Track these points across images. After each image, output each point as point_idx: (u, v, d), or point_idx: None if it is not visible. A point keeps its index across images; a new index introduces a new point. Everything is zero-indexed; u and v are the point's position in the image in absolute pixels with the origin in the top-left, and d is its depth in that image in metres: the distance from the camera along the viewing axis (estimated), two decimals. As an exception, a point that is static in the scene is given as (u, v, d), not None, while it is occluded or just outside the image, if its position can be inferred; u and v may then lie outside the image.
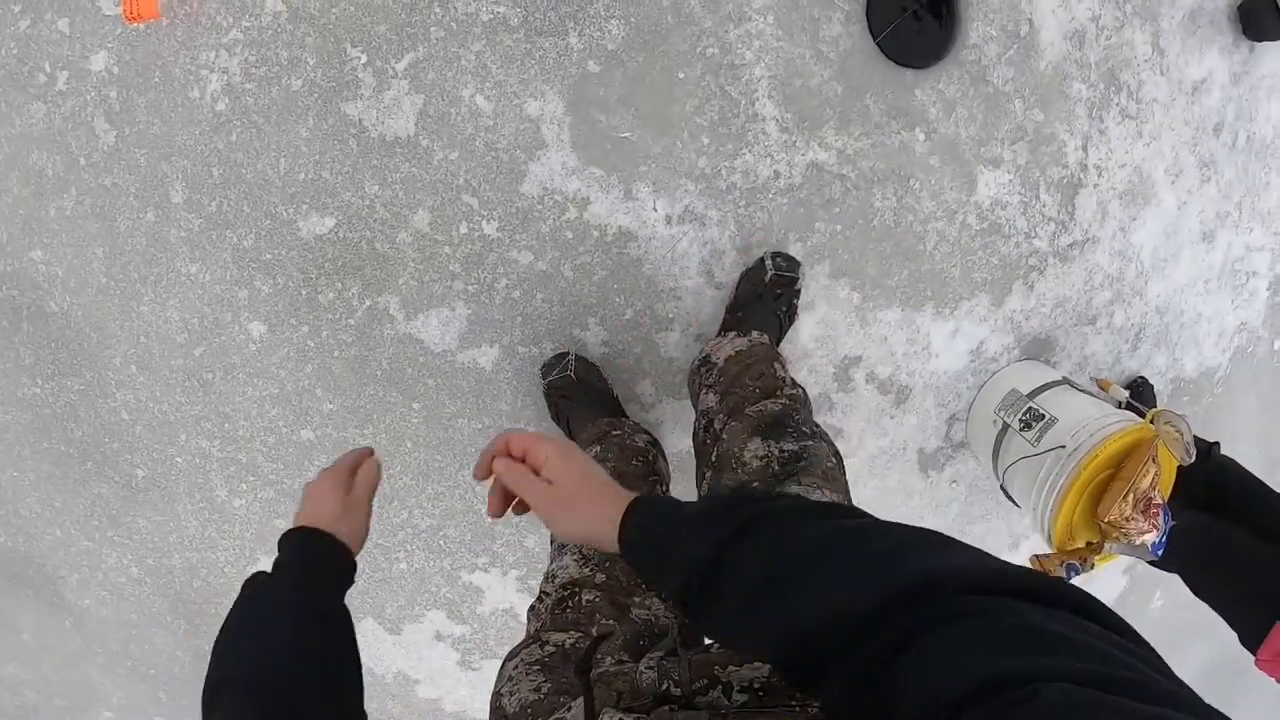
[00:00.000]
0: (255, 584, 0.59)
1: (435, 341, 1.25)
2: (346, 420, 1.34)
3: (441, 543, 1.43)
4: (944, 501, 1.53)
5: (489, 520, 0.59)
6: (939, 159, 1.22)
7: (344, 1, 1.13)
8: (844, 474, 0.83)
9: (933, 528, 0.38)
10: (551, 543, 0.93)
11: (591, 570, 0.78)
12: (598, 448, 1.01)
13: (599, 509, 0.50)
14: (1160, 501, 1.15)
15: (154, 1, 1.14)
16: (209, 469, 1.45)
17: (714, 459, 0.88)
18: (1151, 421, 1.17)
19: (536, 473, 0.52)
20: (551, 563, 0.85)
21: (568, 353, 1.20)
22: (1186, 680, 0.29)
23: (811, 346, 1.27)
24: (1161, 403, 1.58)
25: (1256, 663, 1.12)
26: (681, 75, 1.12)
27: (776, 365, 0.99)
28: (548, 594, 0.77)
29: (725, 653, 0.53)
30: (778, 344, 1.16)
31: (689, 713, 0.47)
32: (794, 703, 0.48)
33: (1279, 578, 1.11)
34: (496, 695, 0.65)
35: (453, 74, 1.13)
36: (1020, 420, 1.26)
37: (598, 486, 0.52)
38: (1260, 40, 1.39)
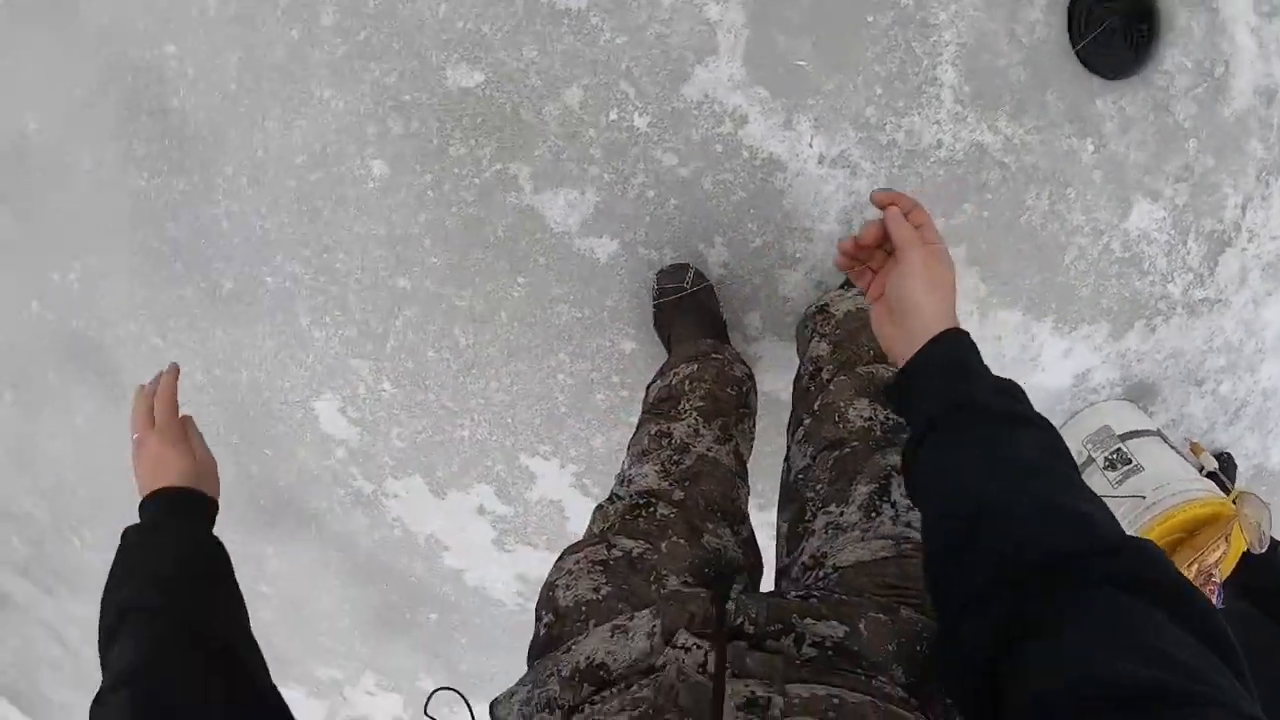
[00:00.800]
0: (127, 535, 0.63)
1: (557, 221, 1.26)
2: (446, 278, 1.35)
3: (510, 421, 1.47)
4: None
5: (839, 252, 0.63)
6: (1102, 175, 1.20)
7: None
8: None
9: None
10: (629, 449, 0.93)
11: (671, 485, 0.77)
12: (695, 366, 1.00)
13: (948, 301, 0.57)
14: (1219, 580, 1.16)
15: None
16: (297, 294, 1.48)
17: (816, 408, 0.88)
18: (1234, 500, 1.17)
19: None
20: (629, 468, 0.84)
21: (689, 265, 1.20)
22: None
23: (925, 324, 1.28)
24: (1241, 486, 1.57)
25: None
26: (871, 19, 1.09)
27: None
28: (620, 497, 0.76)
29: (804, 604, 0.53)
30: None
31: (764, 654, 0.46)
32: (859, 671, 0.48)
33: None
34: (550, 585, 0.64)
35: (644, -47, 1.10)
36: (1106, 458, 1.26)
37: (937, 300, 0.57)
38: None
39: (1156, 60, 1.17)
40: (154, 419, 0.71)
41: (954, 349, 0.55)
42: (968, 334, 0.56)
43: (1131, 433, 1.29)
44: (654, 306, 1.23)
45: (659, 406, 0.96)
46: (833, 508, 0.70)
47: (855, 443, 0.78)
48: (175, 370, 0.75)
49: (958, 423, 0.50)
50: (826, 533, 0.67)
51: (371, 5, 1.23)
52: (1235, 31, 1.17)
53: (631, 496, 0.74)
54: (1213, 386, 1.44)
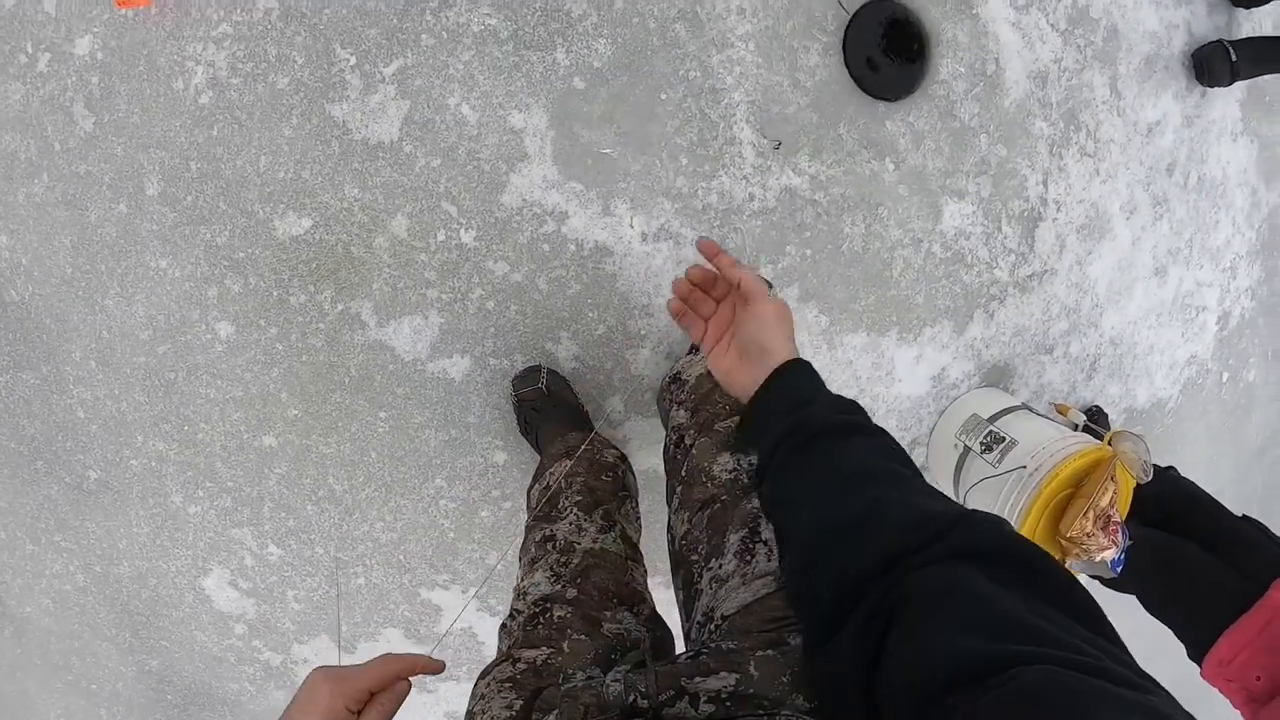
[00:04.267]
0: None
1: (406, 350, 1.20)
2: (310, 427, 1.27)
3: (402, 558, 1.36)
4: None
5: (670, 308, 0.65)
6: (907, 188, 1.23)
7: (336, 3, 1.10)
8: None
9: None
10: (520, 559, 0.89)
11: (563, 586, 0.76)
12: (567, 462, 0.97)
13: (791, 337, 0.59)
14: (1119, 520, 1.15)
15: (146, -11, 1.10)
16: (165, 473, 1.37)
17: (684, 473, 0.86)
18: (1109, 442, 1.18)
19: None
20: (522, 579, 0.82)
21: (541, 366, 1.16)
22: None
23: (782, 366, 1.26)
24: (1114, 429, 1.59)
25: (1202, 675, 1.12)
26: (664, 96, 1.12)
27: None
28: (519, 611, 0.75)
29: (693, 664, 0.52)
30: None
31: None
32: (761, 712, 0.47)
33: (1222, 589, 1.12)
34: (470, 714, 0.63)
35: (440, 82, 1.11)
36: (981, 443, 1.25)
37: (785, 338, 0.59)
38: (1212, 86, 1.44)
39: (932, 73, 1.23)
40: (361, 703, 0.51)
41: (794, 379, 0.57)
42: (807, 363, 0.58)
43: (999, 413, 1.29)
44: (515, 413, 1.17)
45: (541, 510, 0.93)
46: (713, 563, 0.70)
47: (724, 496, 0.77)
48: (430, 670, 0.57)
49: (797, 444, 0.52)
50: (711, 587, 0.68)
51: (194, 169, 1.20)
52: (998, 30, 1.25)
53: (529, 608, 0.74)
54: (1063, 350, 1.46)
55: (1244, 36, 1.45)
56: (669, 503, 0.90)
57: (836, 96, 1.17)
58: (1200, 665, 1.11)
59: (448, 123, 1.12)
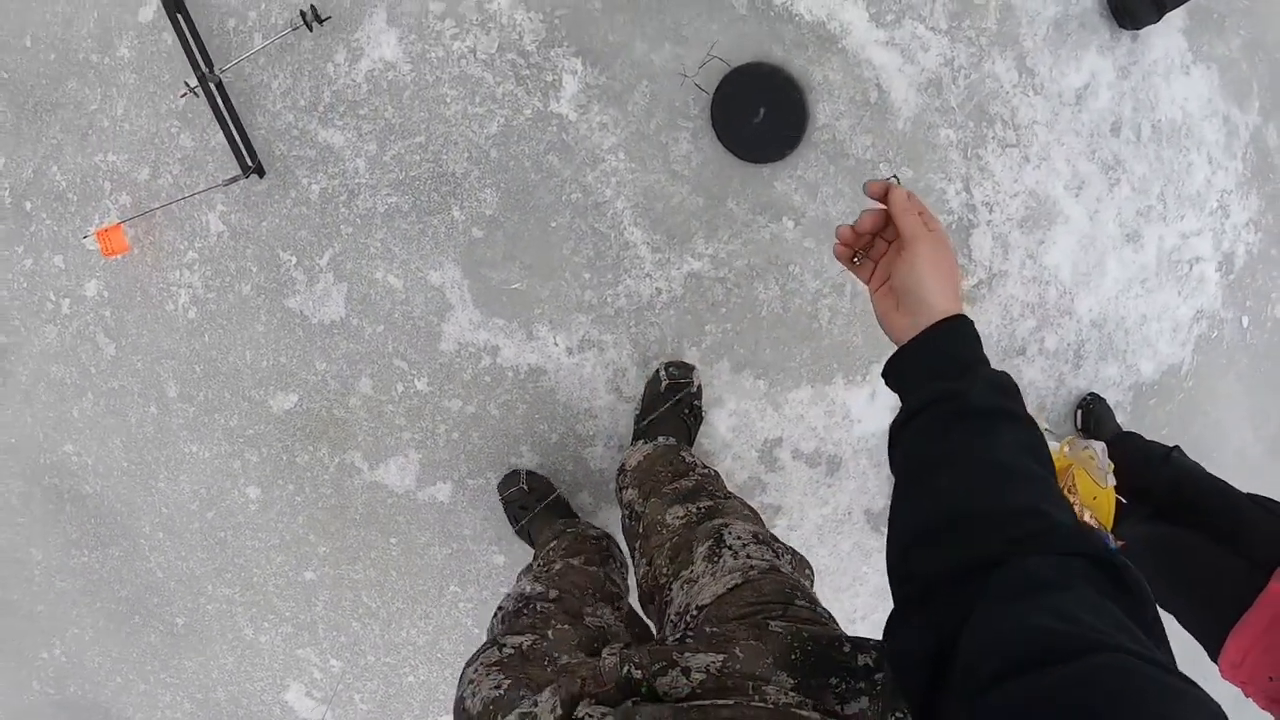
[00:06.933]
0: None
1: (397, 485, 1.53)
2: (339, 558, 1.63)
3: (439, 654, 1.70)
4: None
5: (839, 242, 0.65)
6: (814, 240, 1.39)
7: (270, 216, 1.43)
8: (762, 524, 0.93)
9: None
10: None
11: (546, 587, 0.89)
12: (555, 542, 1.19)
13: (953, 287, 0.59)
14: (1093, 527, 1.26)
15: (123, 238, 1.47)
16: (235, 612, 1.78)
17: (642, 530, 1.01)
18: (1064, 453, 1.29)
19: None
20: (511, 589, 0.97)
21: (519, 470, 1.44)
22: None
23: (730, 437, 1.46)
24: (1126, 413, 1.64)
25: (1222, 677, 1.15)
26: (554, 223, 1.36)
27: (684, 454, 1.16)
28: (504, 608, 0.87)
29: (680, 644, 0.60)
30: (690, 443, 1.36)
31: (653, 705, 0.53)
32: (749, 686, 0.54)
33: (1225, 584, 1.15)
34: (460, 700, 0.69)
35: (365, 261, 1.41)
36: None
37: (941, 289, 0.59)
38: (1139, 27, 1.41)
39: (811, 121, 1.31)
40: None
41: (952, 338, 0.57)
42: (969, 322, 0.58)
43: None
44: (506, 514, 1.47)
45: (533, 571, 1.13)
46: (682, 573, 0.80)
47: (682, 531, 0.90)
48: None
49: (949, 412, 0.53)
50: (684, 589, 0.77)
51: (199, 370, 1.57)
52: (870, 55, 1.32)
53: (513, 604, 0.86)
54: (1037, 348, 1.50)
55: None
56: (632, 560, 1.03)
57: (718, 174, 1.36)
58: (1218, 667, 1.13)
59: (380, 293, 1.42)
